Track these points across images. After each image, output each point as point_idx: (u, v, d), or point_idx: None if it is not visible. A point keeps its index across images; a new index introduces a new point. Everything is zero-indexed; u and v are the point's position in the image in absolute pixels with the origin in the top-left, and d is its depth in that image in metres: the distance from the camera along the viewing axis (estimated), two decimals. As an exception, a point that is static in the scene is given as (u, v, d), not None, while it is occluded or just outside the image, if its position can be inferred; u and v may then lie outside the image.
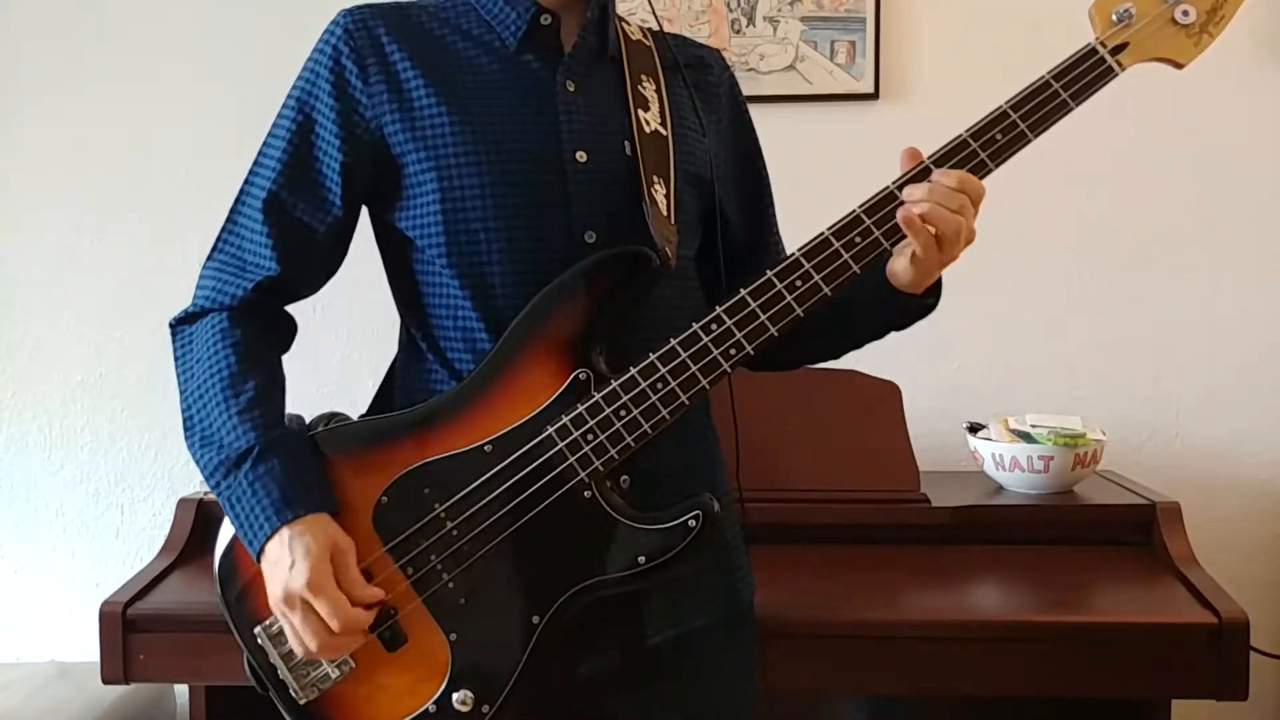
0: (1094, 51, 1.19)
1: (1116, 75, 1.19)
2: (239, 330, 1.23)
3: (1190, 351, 2.33)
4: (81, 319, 2.50)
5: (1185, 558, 1.77)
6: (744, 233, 1.40)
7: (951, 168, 1.17)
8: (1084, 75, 1.18)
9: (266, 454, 1.17)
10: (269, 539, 1.15)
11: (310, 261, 1.27)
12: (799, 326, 1.18)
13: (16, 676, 2.23)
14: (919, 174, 1.18)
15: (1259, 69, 2.26)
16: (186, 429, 1.22)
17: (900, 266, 1.21)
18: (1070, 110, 1.19)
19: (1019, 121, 1.18)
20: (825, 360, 1.44)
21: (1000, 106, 1.19)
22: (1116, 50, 1.19)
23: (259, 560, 1.16)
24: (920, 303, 1.25)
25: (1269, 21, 2.21)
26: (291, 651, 1.18)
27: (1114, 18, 1.19)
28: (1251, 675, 1.60)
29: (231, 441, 1.18)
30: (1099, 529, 1.90)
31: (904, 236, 1.18)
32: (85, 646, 1.96)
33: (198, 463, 1.21)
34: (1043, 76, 1.19)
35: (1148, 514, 1.87)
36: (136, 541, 2.50)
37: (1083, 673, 1.62)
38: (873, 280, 1.24)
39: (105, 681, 1.74)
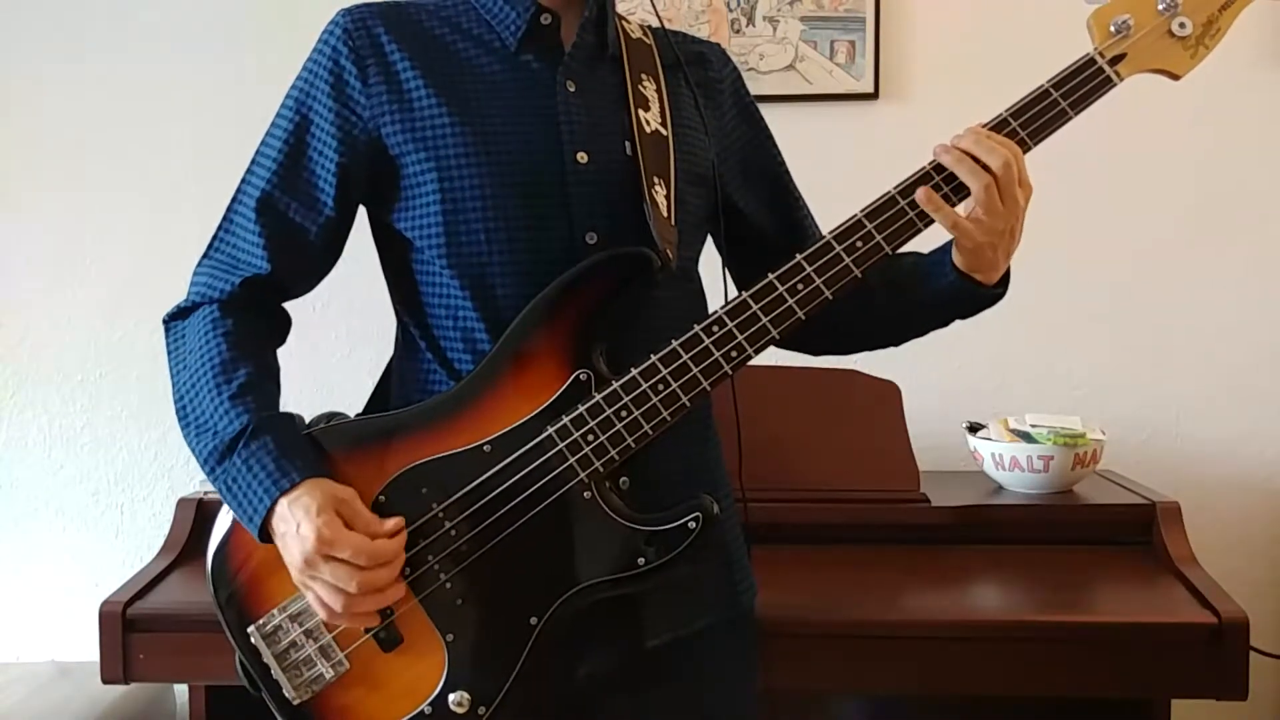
0: (1092, 61, 1.20)
1: (1115, 85, 1.20)
2: (230, 320, 1.23)
3: (1190, 352, 2.33)
4: (81, 319, 2.50)
5: (1185, 558, 1.77)
6: (773, 225, 1.40)
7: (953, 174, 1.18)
8: (1083, 85, 1.19)
9: (259, 432, 1.16)
10: (270, 514, 1.14)
11: (302, 262, 1.27)
12: (801, 329, 1.18)
13: (16, 676, 2.23)
14: (922, 177, 1.18)
15: (1257, 70, 2.26)
16: (181, 420, 1.22)
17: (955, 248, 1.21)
18: (1070, 119, 1.19)
19: (1019, 129, 1.18)
20: (885, 345, 1.43)
21: (1000, 114, 1.19)
22: (1115, 60, 1.20)
23: (265, 540, 1.15)
24: (987, 291, 1.25)
25: (1268, 25, 2.21)
26: (286, 650, 1.18)
27: (1112, 28, 1.20)
28: (1251, 675, 1.60)
29: (225, 427, 1.18)
30: (1099, 529, 1.90)
31: (905, 240, 1.18)
32: (85, 646, 1.96)
33: (193, 452, 1.21)
34: (1042, 85, 1.19)
35: (1148, 514, 1.87)
36: (136, 541, 2.50)
37: (1083, 673, 1.62)
38: (937, 265, 1.24)
39: (105, 681, 1.74)
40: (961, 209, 1.18)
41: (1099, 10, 1.21)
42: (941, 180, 1.17)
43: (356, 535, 1.12)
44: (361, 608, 1.14)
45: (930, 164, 1.19)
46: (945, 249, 1.25)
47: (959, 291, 1.25)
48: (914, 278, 1.27)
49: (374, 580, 1.12)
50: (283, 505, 1.14)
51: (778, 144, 1.44)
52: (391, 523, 1.15)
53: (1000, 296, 1.27)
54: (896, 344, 1.42)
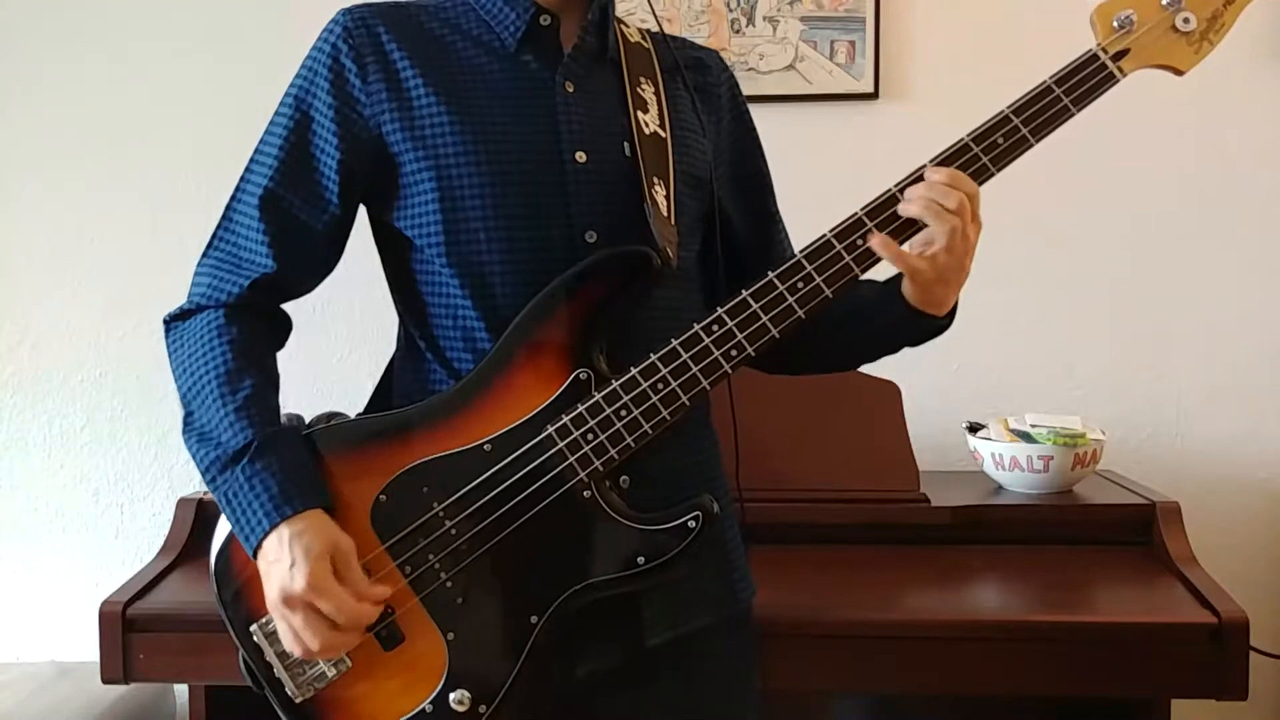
0: (1095, 57, 1.20)
1: (1118, 81, 1.20)
2: (234, 327, 1.23)
3: (1190, 351, 2.33)
4: (81, 319, 2.50)
5: (1185, 558, 1.77)
6: (748, 235, 1.40)
7: None
8: (1085, 81, 1.19)
9: (264, 450, 1.16)
10: (266, 536, 1.14)
11: (306, 259, 1.27)
12: (801, 329, 1.18)
13: (16, 676, 2.23)
14: (920, 177, 1.18)
15: (1259, 68, 2.26)
16: (184, 425, 1.22)
17: (906, 283, 1.22)
18: (1072, 115, 1.19)
19: (1020, 126, 1.18)
20: (839, 369, 1.45)
21: (1002, 111, 1.19)
22: (1118, 56, 1.20)
23: (256, 558, 1.16)
24: (935, 323, 1.26)
25: (1269, 22, 2.21)
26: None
27: (1115, 24, 1.20)
28: (1251, 675, 1.60)
29: (229, 438, 1.17)
30: (1099, 529, 1.90)
31: (905, 239, 1.18)
32: (85, 646, 1.96)
33: (194, 459, 1.20)
34: (1044, 82, 1.19)
35: (1148, 514, 1.87)
36: (136, 541, 2.50)
37: (1083, 673, 1.62)
38: (888, 297, 1.24)
39: (105, 681, 1.75)
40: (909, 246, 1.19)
41: (1102, 6, 1.20)
42: (888, 216, 1.18)
43: (343, 593, 1.12)
44: (319, 657, 1.16)
45: (927, 165, 1.19)
46: (896, 280, 1.25)
47: (908, 323, 1.26)
48: (865, 307, 1.27)
49: (338, 643, 1.14)
50: (282, 532, 1.13)
51: (773, 149, 1.44)
52: (379, 590, 1.15)
53: (946, 327, 1.28)
54: (847, 369, 1.44)
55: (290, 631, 1.14)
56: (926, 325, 1.26)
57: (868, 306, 1.27)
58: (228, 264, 1.25)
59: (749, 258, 1.38)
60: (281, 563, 1.13)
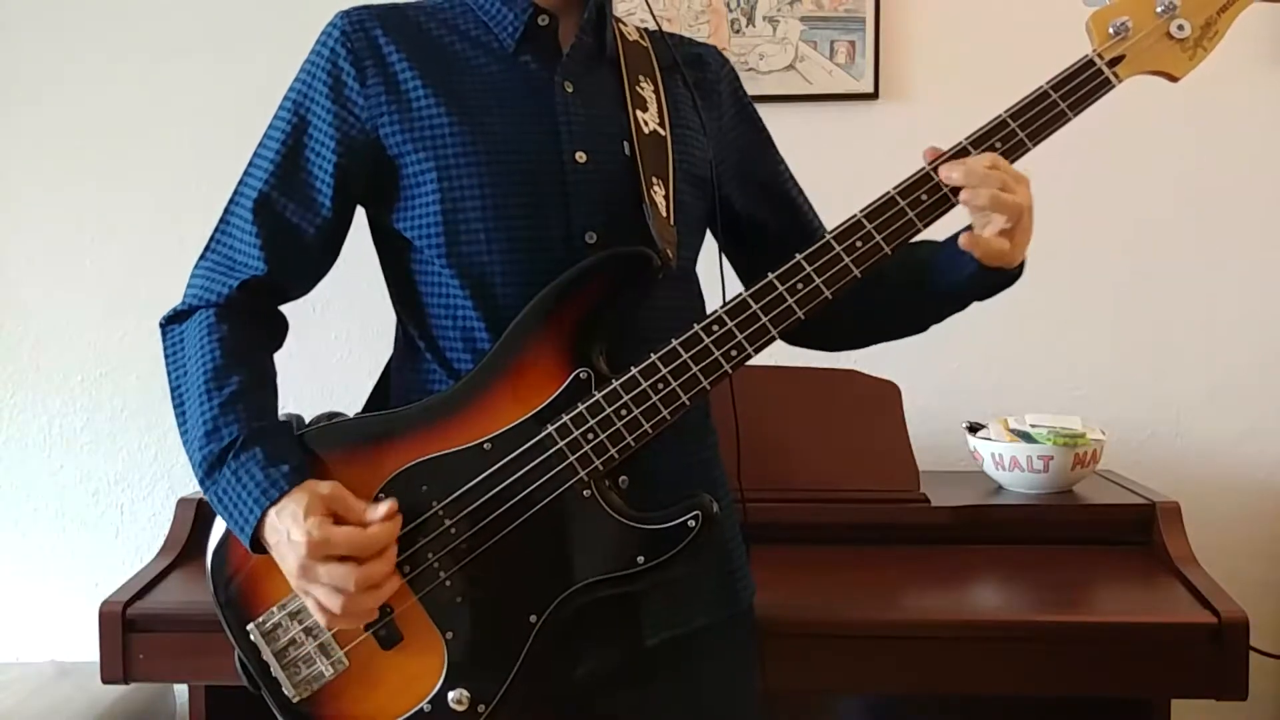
0: (1091, 63, 1.20)
1: (1113, 87, 1.21)
2: (225, 326, 1.23)
3: (1190, 351, 2.33)
4: (81, 319, 2.50)
5: (1185, 558, 1.77)
6: (770, 223, 1.40)
7: None
8: (1081, 86, 1.20)
9: (248, 444, 1.16)
10: (260, 525, 1.14)
11: (299, 262, 1.27)
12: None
13: (16, 676, 2.23)
14: (920, 179, 1.18)
15: (1260, 69, 2.26)
16: (179, 428, 1.22)
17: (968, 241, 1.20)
18: (1069, 120, 1.20)
19: (1018, 130, 1.19)
20: (903, 335, 1.40)
21: (999, 115, 1.20)
22: (1113, 62, 1.20)
23: (259, 550, 1.16)
24: (1008, 275, 1.24)
25: (1268, 25, 2.21)
26: (286, 648, 1.18)
27: (1111, 30, 1.21)
28: (1251, 675, 1.60)
29: (215, 436, 1.18)
30: (1099, 529, 1.90)
31: (904, 240, 1.18)
32: (85, 646, 1.96)
33: (189, 459, 1.21)
34: (1041, 87, 1.20)
35: (1147, 514, 1.87)
36: (136, 541, 2.50)
37: (1083, 673, 1.62)
38: (962, 263, 1.22)
39: (105, 681, 1.75)
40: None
41: (1098, 12, 1.21)
42: (927, 191, 1.18)
43: (346, 529, 1.12)
44: (360, 605, 1.13)
45: (929, 165, 1.19)
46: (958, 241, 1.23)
47: (981, 280, 1.24)
48: (932, 270, 1.26)
49: (370, 575, 1.12)
50: (271, 516, 1.14)
51: (776, 145, 1.44)
52: (384, 507, 1.14)
53: (1019, 276, 1.26)
54: (916, 333, 1.40)
55: (324, 592, 1.12)
56: (999, 279, 1.24)
57: (931, 270, 1.26)
58: (222, 266, 1.26)
59: (779, 248, 1.34)
60: (281, 540, 1.13)
